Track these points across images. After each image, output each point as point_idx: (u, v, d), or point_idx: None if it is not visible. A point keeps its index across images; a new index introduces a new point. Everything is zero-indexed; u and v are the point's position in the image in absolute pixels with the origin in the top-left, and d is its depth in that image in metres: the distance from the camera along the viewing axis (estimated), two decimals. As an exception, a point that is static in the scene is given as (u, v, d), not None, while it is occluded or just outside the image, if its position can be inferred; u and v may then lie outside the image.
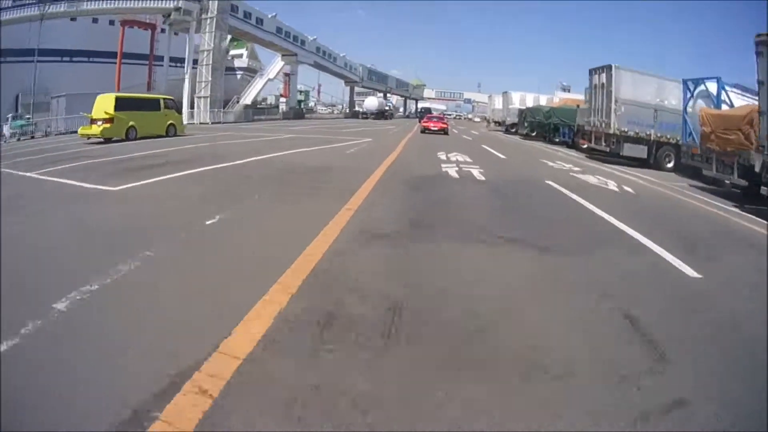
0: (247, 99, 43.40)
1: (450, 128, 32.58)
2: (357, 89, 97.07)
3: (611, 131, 15.20)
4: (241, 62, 53.66)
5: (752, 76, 8.22)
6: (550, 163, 13.55)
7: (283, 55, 45.73)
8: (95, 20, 38.78)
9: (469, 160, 12.30)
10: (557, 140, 23.93)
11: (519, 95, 33.84)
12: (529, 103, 32.56)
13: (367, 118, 56.44)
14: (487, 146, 18.76)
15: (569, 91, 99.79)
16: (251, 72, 54.03)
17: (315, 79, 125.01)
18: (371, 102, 62.85)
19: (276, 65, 46.92)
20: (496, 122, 40.31)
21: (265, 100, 72.28)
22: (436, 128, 26.96)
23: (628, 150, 15.13)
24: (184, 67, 32.80)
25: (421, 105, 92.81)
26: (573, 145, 21.15)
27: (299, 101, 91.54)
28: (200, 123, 31.38)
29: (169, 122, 18.23)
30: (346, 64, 56.26)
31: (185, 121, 31.77)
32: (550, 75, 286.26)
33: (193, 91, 32.94)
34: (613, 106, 15.20)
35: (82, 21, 36.90)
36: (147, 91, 34.52)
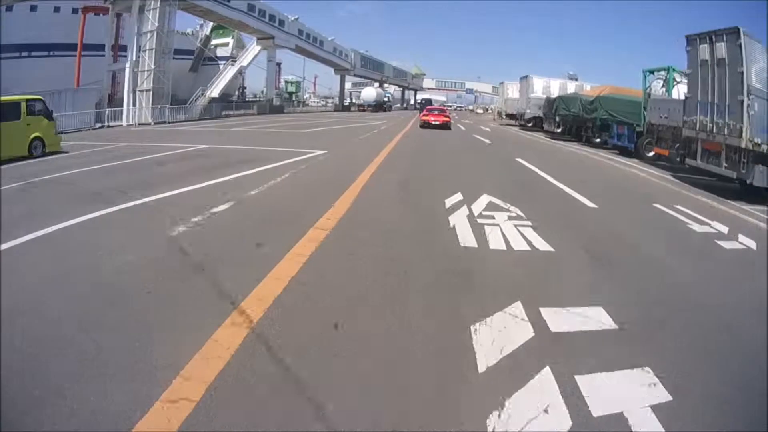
0: (215, 91, 36.80)
1: (454, 123, 27.21)
2: (352, 79, 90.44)
3: (740, 143, 8.73)
4: (226, 52, 47.17)
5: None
6: (689, 223, 6.20)
7: (258, 39, 39.18)
8: (57, 9, 32.39)
9: (524, 225, 5.30)
10: (604, 142, 17.50)
11: (542, 81, 27.23)
12: (555, 91, 26.01)
13: (364, 110, 52.46)
14: (526, 161, 11.43)
15: (577, 80, 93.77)
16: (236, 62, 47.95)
17: (311, 70, 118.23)
18: (369, 93, 57.60)
19: (251, 51, 40.32)
20: (509, 115, 33.80)
21: (242, 92, 66.07)
22: (437, 122, 23.71)
23: (761, 177, 8.55)
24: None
25: (421, 96, 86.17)
26: (635, 154, 14.70)
27: (289, 93, 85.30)
28: (140, 124, 24.87)
29: (33, 135, 11.85)
30: (336, 49, 49.37)
31: (126, 120, 25.95)
32: (551, 67, 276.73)
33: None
34: (744, 99, 8.74)
35: (44, 10, 31.63)
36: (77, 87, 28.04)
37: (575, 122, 20.41)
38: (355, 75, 55.82)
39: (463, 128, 26.81)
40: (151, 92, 26.27)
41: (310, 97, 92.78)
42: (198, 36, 45.24)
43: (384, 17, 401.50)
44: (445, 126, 24.15)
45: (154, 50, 26.75)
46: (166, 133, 18.04)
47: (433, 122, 23.90)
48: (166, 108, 27.15)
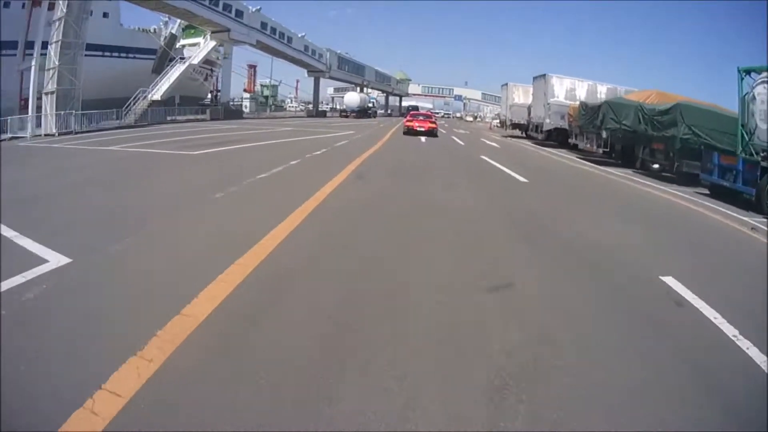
0: (157, 93, 29.88)
1: (447, 134, 23.51)
2: (335, 84, 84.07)
3: None
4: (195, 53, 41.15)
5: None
6: None
7: (213, 32, 32.56)
8: (6, 4, 25.99)
9: None
10: (689, 176, 11.35)
11: (566, 83, 21.00)
12: (582, 95, 19.96)
13: (347, 116, 48.95)
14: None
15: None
16: (209, 64, 40.51)
17: (294, 73, 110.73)
18: (352, 98, 52.71)
19: (204, 47, 33.71)
20: (515, 125, 27.66)
21: (215, 96, 59.67)
22: (422, 129, 22.03)
23: None
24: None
25: (407, 103, 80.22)
26: (755, 204, 8.46)
27: (265, 97, 78.63)
28: (45, 135, 18.08)
29: None
30: (308, 48, 42.72)
31: (30, 131, 18.91)
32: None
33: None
34: None
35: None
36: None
37: (628, 140, 14.28)
38: (330, 78, 49.13)
39: (461, 142, 20.59)
40: (55, 95, 19.45)
41: (290, 101, 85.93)
42: (161, 34, 39.33)
43: (367, 22, 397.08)
44: (432, 133, 22.15)
45: (59, 43, 19.92)
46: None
47: (418, 128, 22.06)
48: (72, 115, 20.15)
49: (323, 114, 49.53)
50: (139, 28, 35.94)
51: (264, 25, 35.25)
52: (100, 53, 29.52)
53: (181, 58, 40.43)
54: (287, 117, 43.58)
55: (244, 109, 56.79)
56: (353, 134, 19.52)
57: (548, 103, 20.65)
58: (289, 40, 38.93)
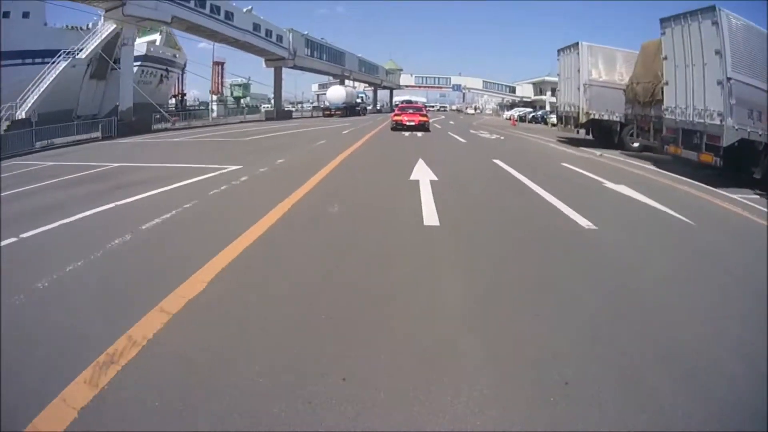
0: (26, 106, 20.51)
1: (456, 133, 18.59)
2: (319, 79, 74.46)
3: None
4: (157, 53, 34.45)
5: None
6: None
7: (106, 11, 23.51)
8: None
9: None
10: None
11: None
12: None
13: (331, 114, 42.46)
14: None
15: None
16: (162, 63, 34.34)
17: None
18: (336, 93, 44.58)
19: (99, 32, 24.51)
20: (590, 123, 15.53)
21: (181, 100, 50.91)
22: (412, 123, 19.88)
23: None
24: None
25: (399, 98, 70.78)
26: None
27: (236, 98, 69.29)
28: None
29: None
30: (259, 26, 33.07)
31: None
32: (532, 67, 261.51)
33: None
34: None
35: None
36: None
37: None
38: (296, 67, 39.31)
39: (508, 169, 11.41)
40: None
41: (270, 103, 76.29)
42: (98, 32, 30.06)
43: (359, 18, 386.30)
44: (423, 127, 19.98)
45: None
46: None
47: (408, 123, 20.07)
48: None
49: (288, 115, 40.02)
50: (68, 26, 27.39)
51: (186, -5, 25.83)
52: (20, 61, 23.62)
53: (137, 58, 32.00)
54: (224, 124, 34.48)
55: (212, 113, 47.46)
56: (289, 156, 10.48)
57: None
58: (229, 16, 29.34)
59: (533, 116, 43.40)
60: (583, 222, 5.00)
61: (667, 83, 9.94)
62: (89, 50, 23.69)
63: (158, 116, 26.53)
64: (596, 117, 15.09)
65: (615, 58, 14.97)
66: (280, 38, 35.58)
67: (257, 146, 13.65)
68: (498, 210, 5.81)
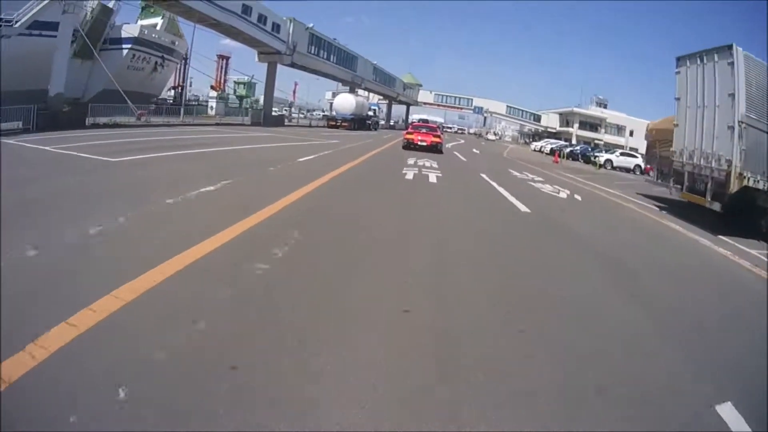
0: None
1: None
2: (329, 85, 68.61)
3: None
4: (151, 37, 30.61)
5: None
6: None
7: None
8: None
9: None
10: None
11: None
12: None
13: (336, 125, 37.06)
14: None
15: (605, 106, 71.19)
16: (158, 49, 30.46)
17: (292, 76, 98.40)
18: (344, 102, 38.91)
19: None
20: (723, 194, 8.31)
21: (180, 92, 45.92)
22: (424, 143, 19.23)
23: None
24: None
25: (416, 116, 64.93)
26: None
27: (239, 97, 63.81)
28: None
29: None
30: (249, 9, 26.65)
31: None
32: (569, 95, 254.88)
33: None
34: None
35: None
36: None
37: None
38: (295, 65, 32.91)
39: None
40: None
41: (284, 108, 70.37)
42: (82, 7, 26.50)
43: (384, 29, 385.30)
44: (434, 148, 19.27)
45: None
46: None
47: (419, 142, 19.30)
48: None
49: (279, 121, 33.85)
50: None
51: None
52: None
53: (122, 39, 28.32)
54: (195, 124, 28.48)
55: (210, 110, 42.57)
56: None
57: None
58: (204, -10, 23.18)
59: (571, 152, 36.92)
60: None
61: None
62: (24, 20, 18.16)
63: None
64: (752, 184, 8.60)
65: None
66: (277, 28, 29.41)
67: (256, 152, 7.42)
68: None
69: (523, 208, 8.03)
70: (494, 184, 10.89)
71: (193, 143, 13.05)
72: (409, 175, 10.50)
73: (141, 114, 22.50)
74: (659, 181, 13.15)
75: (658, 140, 13.00)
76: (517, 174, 14.59)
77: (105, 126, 18.91)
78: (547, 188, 11.32)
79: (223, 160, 10.10)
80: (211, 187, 6.48)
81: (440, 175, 11.13)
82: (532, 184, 12.08)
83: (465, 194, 9.42)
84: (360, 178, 9.67)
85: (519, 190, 10.35)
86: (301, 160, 11.47)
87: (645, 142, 14.74)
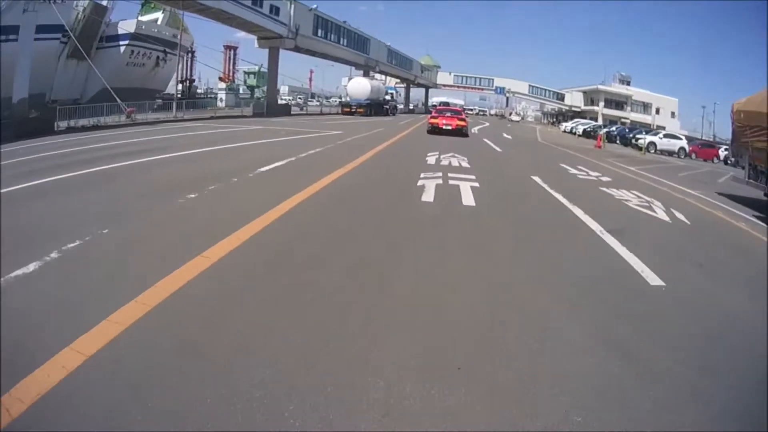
0: None
1: None
2: (340, 71, 65.34)
3: None
4: (150, 31, 30.31)
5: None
6: None
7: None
8: None
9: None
10: None
11: None
12: None
13: (351, 112, 34.76)
14: None
15: (629, 84, 65.91)
16: (159, 44, 30.38)
17: (308, 63, 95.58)
18: (359, 86, 36.46)
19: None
20: None
21: (188, 87, 44.51)
22: (449, 127, 18.92)
23: None
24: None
25: (436, 99, 61.24)
26: None
27: (250, 87, 62.00)
28: None
29: None
30: None
31: None
32: (595, 70, 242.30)
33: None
34: None
35: None
36: None
37: None
38: (298, 49, 29.86)
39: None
40: None
41: (297, 98, 67.71)
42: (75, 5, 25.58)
43: (395, 10, 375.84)
44: (460, 132, 18.94)
45: None
46: None
47: (445, 126, 18.92)
48: None
49: (284, 110, 31.19)
50: None
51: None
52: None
53: (124, 36, 27.72)
54: (205, 118, 26.14)
55: (219, 102, 41.37)
56: None
57: None
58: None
59: (607, 133, 33.13)
60: None
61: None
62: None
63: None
64: None
65: None
66: (276, 10, 26.55)
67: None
68: None
69: (648, 274, 4.03)
70: (564, 200, 7.14)
71: (135, 150, 10.00)
72: (429, 191, 6.86)
73: (130, 111, 20.79)
74: (750, 180, 9.99)
75: (749, 126, 9.67)
76: (575, 172, 11.30)
77: (83, 129, 16.74)
78: (627, 198, 8.07)
79: (133, 185, 6.45)
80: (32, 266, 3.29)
81: (477, 185, 7.68)
82: (606, 190, 8.72)
83: (528, 235, 5.25)
84: (342, 203, 5.92)
85: (601, 207, 6.98)
86: (263, 170, 7.84)
87: (731, 127, 11.40)
